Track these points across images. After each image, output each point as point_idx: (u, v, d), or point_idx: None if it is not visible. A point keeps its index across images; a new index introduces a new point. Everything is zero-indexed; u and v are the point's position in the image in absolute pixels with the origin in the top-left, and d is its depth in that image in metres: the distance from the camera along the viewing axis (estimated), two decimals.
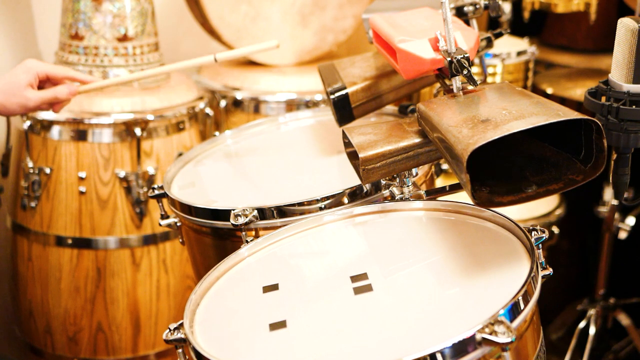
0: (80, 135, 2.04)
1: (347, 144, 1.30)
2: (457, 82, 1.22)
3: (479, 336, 0.90)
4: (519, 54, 2.34)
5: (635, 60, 1.22)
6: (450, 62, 1.19)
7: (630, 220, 2.23)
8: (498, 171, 1.13)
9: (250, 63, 2.51)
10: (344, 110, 1.56)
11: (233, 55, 1.67)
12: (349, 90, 1.55)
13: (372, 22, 1.45)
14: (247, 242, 1.30)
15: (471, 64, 1.19)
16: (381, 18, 1.42)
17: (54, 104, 1.68)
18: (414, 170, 1.38)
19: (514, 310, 0.95)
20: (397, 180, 1.34)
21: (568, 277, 2.71)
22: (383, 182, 1.37)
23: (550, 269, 1.13)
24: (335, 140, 1.69)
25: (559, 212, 2.37)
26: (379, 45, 1.42)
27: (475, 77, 1.20)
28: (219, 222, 1.40)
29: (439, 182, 1.82)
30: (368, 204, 1.34)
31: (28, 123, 2.06)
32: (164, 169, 2.10)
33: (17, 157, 2.15)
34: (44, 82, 1.67)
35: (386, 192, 1.38)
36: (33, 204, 2.09)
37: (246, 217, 1.33)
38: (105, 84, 1.76)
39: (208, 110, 2.25)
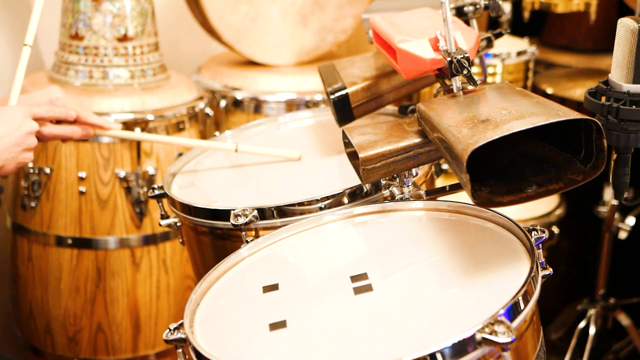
0: None
1: (347, 144, 1.30)
2: (457, 82, 1.22)
3: (479, 336, 0.90)
4: (519, 54, 2.34)
5: (635, 60, 1.22)
6: (450, 62, 1.19)
7: (630, 220, 2.23)
8: (498, 171, 1.13)
9: (250, 63, 2.51)
10: (344, 110, 1.56)
11: (255, 150, 1.69)
12: (349, 90, 1.55)
13: (372, 22, 1.45)
14: (247, 242, 1.30)
15: (471, 64, 1.19)
16: (381, 18, 1.42)
17: (64, 140, 1.68)
18: (414, 170, 1.38)
19: (514, 310, 0.95)
20: (397, 180, 1.34)
21: (568, 277, 2.71)
22: (383, 182, 1.37)
23: (550, 269, 1.13)
24: (335, 140, 1.69)
25: (559, 212, 2.37)
26: (379, 45, 1.43)
27: (475, 77, 1.20)
28: (219, 222, 1.40)
29: (439, 182, 1.82)
30: (368, 204, 1.34)
31: None
32: (164, 169, 2.10)
33: None
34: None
35: (386, 192, 1.38)
36: (33, 204, 2.09)
37: (246, 217, 1.33)
38: (124, 134, 1.81)
39: (208, 110, 2.25)
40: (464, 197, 1.14)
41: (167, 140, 1.98)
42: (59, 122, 1.64)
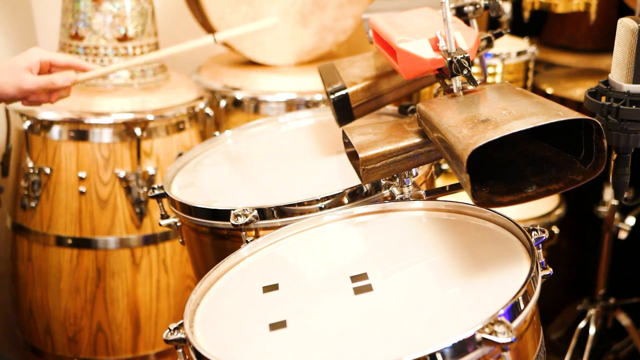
0: (80, 135, 2.04)
1: (347, 144, 1.30)
2: (457, 82, 1.22)
3: (479, 336, 0.90)
4: (519, 54, 2.34)
5: (635, 60, 1.22)
6: (450, 62, 1.19)
7: (630, 220, 2.23)
8: (498, 171, 1.13)
9: (250, 63, 2.51)
10: (344, 110, 1.56)
11: (233, 34, 1.67)
12: (349, 90, 1.55)
13: (372, 22, 1.45)
14: (247, 242, 1.30)
15: (471, 64, 1.19)
16: (381, 18, 1.42)
17: (51, 93, 1.65)
18: (414, 170, 1.38)
19: (514, 310, 0.95)
20: (397, 180, 1.34)
21: (568, 277, 2.71)
22: (383, 182, 1.37)
23: (550, 269, 1.13)
24: (335, 140, 1.69)
25: (559, 212, 2.37)
26: (379, 45, 1.43)
27: (475, 77, 1.20)
28: (219, 222, 1.40)
29: (439, 182, 1.82)
30: (368, 204, 1.34)
31: (28, 123, 2.06)
32: (164, 169, 2.10)
33: (17, 157, 2.15)
34: (47, 71, 1.66)
35: (386, 192, 1.38)
36: (33, 204, 2.09)
37: (246, 217, 1.33)
38: (103, 71, 1.75)
39: (208, 110, 2.25)
40: (464, 197, 1.14)
41: (138, 61, 1.91)
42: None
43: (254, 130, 1.85)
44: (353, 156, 1.29)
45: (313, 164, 1.62)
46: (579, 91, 2.45)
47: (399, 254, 1.19)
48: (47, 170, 2.07)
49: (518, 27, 2.60)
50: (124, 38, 2.12)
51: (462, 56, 1.19)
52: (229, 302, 1.16)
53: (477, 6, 1.54)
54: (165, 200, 1.56)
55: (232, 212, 1.34)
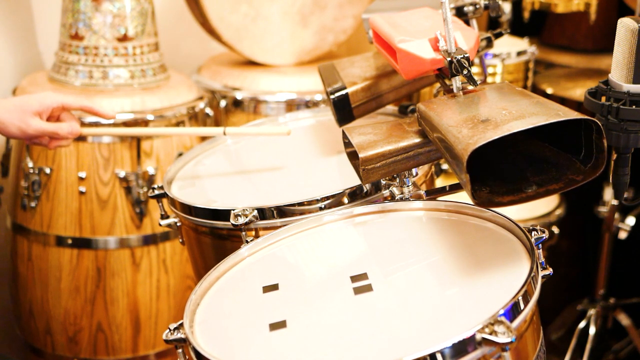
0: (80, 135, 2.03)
1: (347, 144, 1.30)
2: (457, 82, 1.22)
3: (479, 336, 0.90)
4: (519, 54, 2.34)
5: (635, 60, 1.22)
6: (450, 62, 1.19)
7: (630, 220, 2.23)
8: (498, 171, 1.13)
9: (250, 63, 2.51)
10: (344, 110, 1.56)
11: (243, 132, 1.75)
12: (349, 90, 1.55)
13: (372, 22, 1.45)
14: (247, 242, 1.30)
15: (471, 64, 1.19)
16: (381, 18, 1.42)
17: (51, 140, 1.66)
18: (414, 170, 1.38)
19: (514, 310, 0.95)
20: (397, 180, 1.34)
21: (568, 277, 2.71)
22: (383, 182, 1.37)
23: (550, 269, 1.13)
24: (335, 140, 1.69)
25: (559, 212, 2.37)
26: (379, 45, 1.43)
27: (475, 77, 1.20)
28: (218, 222, 1.40)
29: (439, 182, 1.82)
30: (368, 204, 1.34)
31: None
32: (164, 169, 2.10)
33: (17, 157, 2.15)
34: (57, 116, 1.66)
35: (386, 192, 1.38)
36: (33, 204, 2.09)
37: (246, 217, 1.33)
38: (110, 132, 1.91)
39: (208, 110, 2.25)
40: (464, 197, 1.14)
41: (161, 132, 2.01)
42: (47, 119, 1.64)
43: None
44: (353, 156, 1.29)
45: (313, 164, 1.62)
46: (579, 91, 2.45)
47: (399, 254, 1.20)
48: (47, 170, 2.07)
49: (518, 27, 2.60)
50: (124, 38, 2.12)
51: (462, 56, 1.19)
52: (229, 302, 1.16)
53: (477, 6, 1.54)
54: (165, 200, 1.56)
55: (232, 212, 1.34)
